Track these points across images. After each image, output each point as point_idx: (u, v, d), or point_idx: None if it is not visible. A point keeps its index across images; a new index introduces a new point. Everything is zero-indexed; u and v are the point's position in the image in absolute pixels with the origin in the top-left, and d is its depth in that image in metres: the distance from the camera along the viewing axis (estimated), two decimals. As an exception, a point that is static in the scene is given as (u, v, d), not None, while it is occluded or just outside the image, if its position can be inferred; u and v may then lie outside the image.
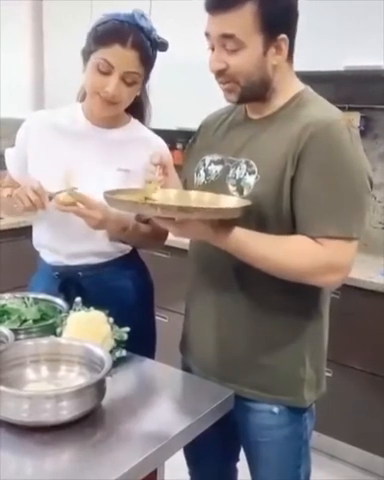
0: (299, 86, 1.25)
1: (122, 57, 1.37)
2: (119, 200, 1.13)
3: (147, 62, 1.41)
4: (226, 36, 1.14)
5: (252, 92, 1.20)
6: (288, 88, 1.23)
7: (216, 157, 1.29)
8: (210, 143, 1.34)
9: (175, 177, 1.35)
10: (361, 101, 2.58)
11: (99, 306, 1.32)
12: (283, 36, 1.15)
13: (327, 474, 2.28)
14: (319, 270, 1.14)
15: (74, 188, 1.37)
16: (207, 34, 1.19)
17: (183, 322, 1.45)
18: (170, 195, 1.23)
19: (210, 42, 1.19)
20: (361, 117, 2.57)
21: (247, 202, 1.13)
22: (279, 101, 1.23)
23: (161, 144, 1.56)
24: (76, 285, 1.53)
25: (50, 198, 1.39)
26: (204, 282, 1.32)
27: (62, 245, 1.53)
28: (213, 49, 1.19)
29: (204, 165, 1.31)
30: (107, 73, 1.38)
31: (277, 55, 1.17)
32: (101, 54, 1.38)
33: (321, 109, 1.20)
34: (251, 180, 1.19)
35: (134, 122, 1.58)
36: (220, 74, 1.18)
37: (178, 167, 1.42)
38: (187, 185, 1.37)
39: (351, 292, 2.18)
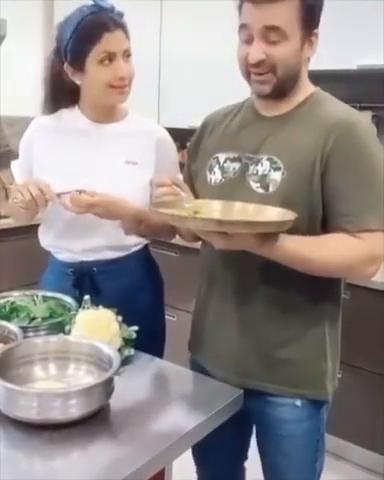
0: (312, 86, 1.29)
1: (115, 40, 1.42)
2: (179, 216, 1.09)
3: (129, 34, 1.47)
4: (271, 28, 1.14)
5: (285, 84, 1.21)
6: (305, 87, 1.27)
7: (232, 155, 1.29)
8: (221, 141, 1.33)
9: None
10: (373, 100, 2.56)
11: (112, 303, 1.32)
12: (317, 31, 1.20)
13: (334, 474, 2.26)
14: (362, 262, 1.18)
15: (81, 190, 1.38)
16: (244, 25, 1.17)
17: (193, 321, 1.44)
18: (214, 207, 1.22)
19: (247, 33, 1.17)
20: (373, 116, 2.55)
21: (293, 214, 1.13)
22: (296, 99, 1.25)
23: (163, 134, 1.58)
24: (90, 281, 1.54)
25: (58, 195, 1.39)
26: (223, 280, 1.31)
27: (75, 242, 1.53)
28: (247, 41, 1.18)
29: (219, 163, 1.30)
30: (111, 61, 1.42)
31: (309, 49, 1.20)
32: (99, 49, 1.41)
33: (340, 109, 1.23)
34: (277, 176, 1.21)
35: (132, 114, 1.59)
36: (258, 65, 1.19)
37: (182, 165, 1.40)
38: (198, 184, 1.35)
39: (361, 292, 2.17)
